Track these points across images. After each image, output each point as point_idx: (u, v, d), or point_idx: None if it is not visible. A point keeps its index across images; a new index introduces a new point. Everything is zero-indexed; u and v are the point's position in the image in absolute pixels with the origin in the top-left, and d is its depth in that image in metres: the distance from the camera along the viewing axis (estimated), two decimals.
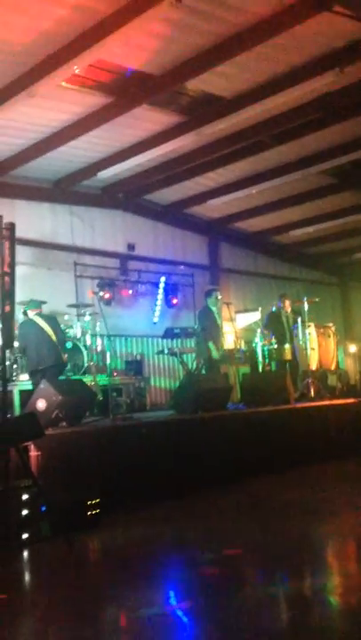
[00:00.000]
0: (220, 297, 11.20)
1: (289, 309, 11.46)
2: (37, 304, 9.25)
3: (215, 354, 10.58)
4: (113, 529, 5.89)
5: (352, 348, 14.57)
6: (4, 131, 9.44)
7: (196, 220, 14.49)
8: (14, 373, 9.09)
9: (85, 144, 10.10)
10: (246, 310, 13.92)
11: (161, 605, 4.05)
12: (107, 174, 11.35)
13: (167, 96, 8.95)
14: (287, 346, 10.89)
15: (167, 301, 13.41)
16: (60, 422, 7.28)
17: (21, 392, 8.99)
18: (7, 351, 6.97)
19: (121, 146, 10.46)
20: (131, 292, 12.85)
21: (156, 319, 13.22)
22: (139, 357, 12.47)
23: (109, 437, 7.12)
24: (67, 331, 10.14)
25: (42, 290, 10.38)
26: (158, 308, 13.30)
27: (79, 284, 11.89)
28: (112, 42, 7.11)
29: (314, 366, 10.66)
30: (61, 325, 9.53)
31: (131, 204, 13.16)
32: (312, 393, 10.26)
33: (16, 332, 7.87)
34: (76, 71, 7.75)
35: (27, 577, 5.00)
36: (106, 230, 12.77)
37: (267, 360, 10.82)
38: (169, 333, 10.90)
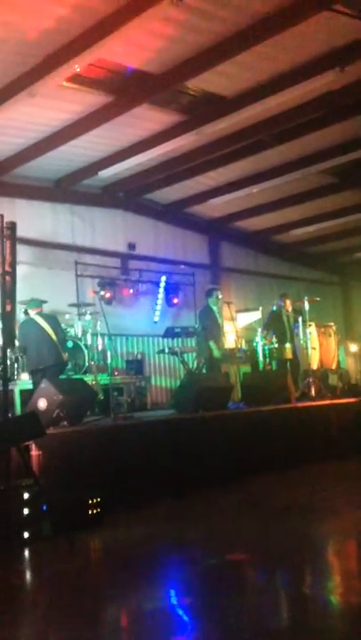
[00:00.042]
0: (220, 296, 11.20)
1: (290, 309, 11.45)
2: (38, 303, 9.24)
3: (216, 353, 10.58)
4: (114, 528, 5.89)
5: (353, 348, 14.58)
6: (4, 130, 9.43)
7: (196, 219, 14.47)
8: (15, 372, 9.09)
9: (86, 143, 10.09)
10: (247, 309, 13.89)
11: (161, 605, 4.06)
12: (107, 173, 11.34)
13: (168, 95, 8.94)
14: (288, 345, 10.87)
15: (168, 301, 13.41)
16: (61, 421, 7.29)
17: (22, 391, 8.99)
18: (8, 350, 6.97)
19: (121, 145, 10.45)
20: (131, 291, 12.85)
21: (156, 318, 13.22)
22: (139, 357, 12.47)
23: (110, 437, 7.13)
24: (67, 330, 10.14)
25: (42, 289, 10.35)
26: (159, 308, 13.30)
27: (80, 284, 11.89)
28: (112, 41, 7.10)
29: (315, 365, 10.64)
30: (62, 325, 9.51)
31: (131, 204, 13.15)
32: (313, 392, 10.26)
33: (17, 331, 7.87)
34: (77, 70, 7.75)
35: (28, 576, 5.00)
36: (106, 229, 12.77)
37: (267, 359, 10.83)
38: (170, 333, 10.90)
